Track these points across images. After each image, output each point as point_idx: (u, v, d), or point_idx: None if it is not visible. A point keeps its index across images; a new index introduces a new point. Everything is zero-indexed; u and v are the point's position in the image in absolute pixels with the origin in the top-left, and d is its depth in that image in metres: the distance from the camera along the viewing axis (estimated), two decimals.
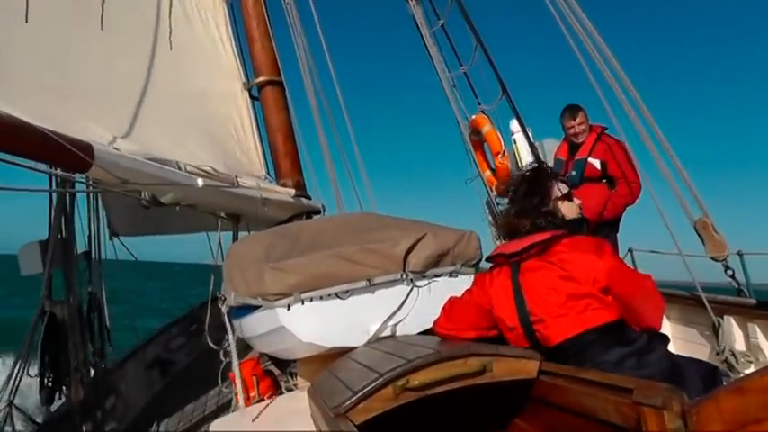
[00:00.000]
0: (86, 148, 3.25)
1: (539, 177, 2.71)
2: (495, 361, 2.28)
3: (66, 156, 3.13)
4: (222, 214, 4.89)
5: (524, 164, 6.32)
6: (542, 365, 2.30)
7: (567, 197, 2.65)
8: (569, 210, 2.63)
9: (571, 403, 2.09)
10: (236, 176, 4.72)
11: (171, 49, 5.19)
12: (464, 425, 2.63)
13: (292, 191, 5.32)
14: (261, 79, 5.78)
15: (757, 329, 3.90)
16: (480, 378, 2.26)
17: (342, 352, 2.95)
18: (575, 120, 5.51)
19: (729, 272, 4.14)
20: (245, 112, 5.79)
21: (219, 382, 3.65)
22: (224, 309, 3.50)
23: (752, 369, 3.87)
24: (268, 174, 5.70)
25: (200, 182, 4.12)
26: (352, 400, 2.11)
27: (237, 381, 3.31)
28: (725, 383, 2.43)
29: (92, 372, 5.81)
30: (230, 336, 3.43)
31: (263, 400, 3.23)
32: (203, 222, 5.74)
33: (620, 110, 4.38)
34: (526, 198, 2.62)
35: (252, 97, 5.89)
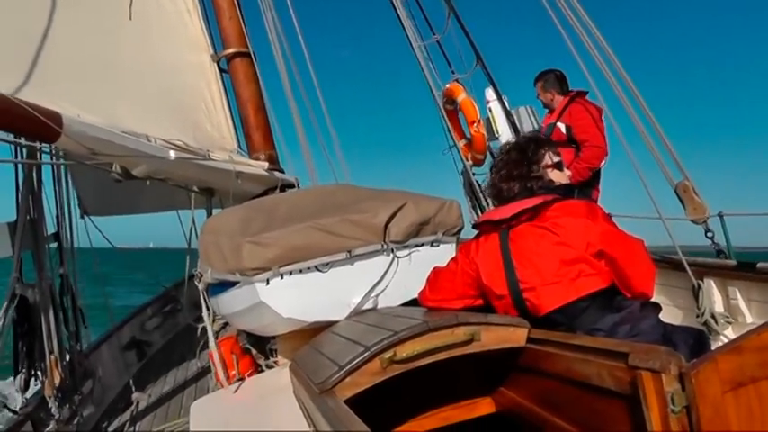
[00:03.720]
0: (55, 117, 3.11)
1: (531, 143, 2.64)
2: (484, 330, 2.22)
3: (34, 124, 2.99)
4: (195, 189, 4.76)
5: (500, 132, 6.27)
6: (531, 333, 2.26)
7: (558, 166, 2.60)
8: (559, 177, 2.58)
9: (562, 370, 2.05)
10: (208, 150, 4.59)
11: (131, 18, 4.97)
12: (452, 395, 2.59)
13: (265, 164, 5.20)
14: (229, 51, 5.59)
15: (737, 291, 3.92)
16: (468, 347, 2.21)
17: (323, 327, 2.88)
18: (534, 86, 5.65)
19: (710, 234, 4.15)
20: (214, 84, 5.61)
21: (197, 361, 3.57)
22: (201, 286, 3.41)
23: (730, 330, 3.91)
24: (240, 148, 5.56)
25: (172, 154, 3.99)
26: (339, 374, 2.05)
27: (216, 359, 3.23)
28: (711, 348, 2.43)
29: (67, 355, 5.68)
30: (205, 313, 3.34)
31: (242, 378, 3.17)
32: (175, 200, 5.59)
33: (598, 74, 4.33)
34: (516, 163, 2.56)
35: (221, 70, 5.71)
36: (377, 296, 2.96)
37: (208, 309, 3.40)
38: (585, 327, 2.21)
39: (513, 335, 2.26)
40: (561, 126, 5.40)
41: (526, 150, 2.59)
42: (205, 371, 3.44)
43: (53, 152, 4.02)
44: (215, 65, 5.68)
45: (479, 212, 6.09)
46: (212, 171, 4.53)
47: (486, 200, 5.88)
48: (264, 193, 5.04)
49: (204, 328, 3.42)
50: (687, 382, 1.55)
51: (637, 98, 4.16)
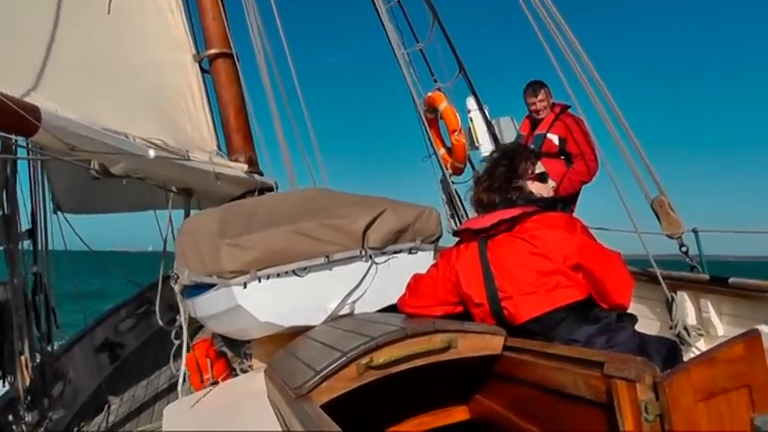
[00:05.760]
0: (33, 110, 3.05)
1: (512, 154, 2.66)
2: (461, 337, 2.23)
3: (11, 117, 2.93)
4: (173, 189, 4.71)
5: (480, 142, 6.31)
6: (508, 341, 2.27)
7: (540, 178, 2.61)
8: (540, 188, 2.60)
9: (538, 378, 2.07)
10: (188, 151, 4.55)
11: (108, 13, 4.91)
12: (428, 401, 2.59)
13: (245, 166, 5.17)
14: (212, 51, 5.54)
15: (709, 304, 3.99)
16: (445, 355, 2.22)
17: (299, 331, 2.87)
18: (536, 96, 5.57)
19: (684, 248, 4.22)
20: (195, 85, 5.56)
21: (171, 364, 3.52)
22: (177, 288, 3.37)
23: (702, 342, 3.98)
24: (220, 149, 5.52)
25: (151, 153, 3.94)
26: (316, 379, 2.04)
27: (190, 363, 3.19)
28: (684, 359, 2.47)
29: (38, 357, 5.57)
30: (182, 316, 3.30)
31: (216, 382, 3.13)
32: (153, 199, 5.52)
33: (580, 89, 4.39)
34: (498, 173, 2.57)
35: (203, 70, 5.67)
36: (354, 302, 2.96)
37: (183, 311, 3.36)
38: (562, 337, 2.23)
39: (490, 343, 2.27)
40: (554, 137, 5.45)
41: (508, 161, 2.60)
42: (179, 374, 3.39)
43: (29, 147, 3.95)
44: (197, 65, 5.63)
45: (458, 221, 6.11)
46: (191, 171, 4.49)
47: (464, 208, 5.89)
48: (243, 196, 5.01)
49: (179, 331, 3.38)
50: (661, 391, 1.57)
51: (616, 114, 4.22)
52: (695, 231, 4.25)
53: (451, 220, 6.32)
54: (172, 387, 4.20)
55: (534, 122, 5.68)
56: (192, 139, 5.17)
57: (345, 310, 2.93)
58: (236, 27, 5.79)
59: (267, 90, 5.68)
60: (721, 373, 1.63)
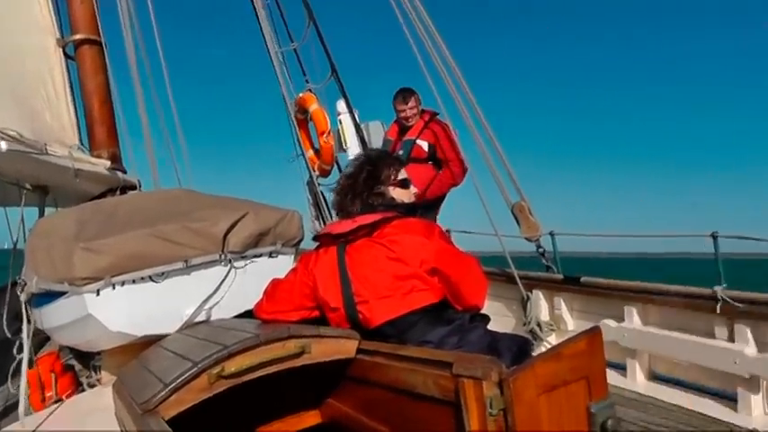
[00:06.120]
0: None
1: (376, 160, 2.69)
2: (315, 342, 2.24)
3: None
4: (27, 185, 4.37)
5: (349, 145, 6.35)
6: (362, 344, 2.30)
7: (402, 184, 2.65)
8: (401, 194, 2.64)
9: (390, 380, 2.11)
10: (45, 144, 4.24)
11: None
12: (281, 407, 2.58)
13: (108, 162, 4.88)
14: (78, 37, 5.17)
15: (562, 302, 4.28)
16: (299, 360, 2.21)
17: (153, 340, 2.75)
18: (406, 104, 5.67)
19: (541, 250, 4.48)
20: (57, 71, 5.15)
21: (9, 381, 3.23)
22: (23, 297, 3.12)
23: (554, 337, 4.26)
24: (81, 143, 5.19)
25: (3, 145, 3.62)
26: (164, 393, 1.95)
27: (31, 380, 2.95)
28: (534, 353, 2.61)
29: None
30: (25, 327, 3.05)
31: (60, 400, 2.92)
32: (4, 195, 5.10)
33: (448, 97, 4.53)
34: (360, 179, 2.59)
35: (67, 56, 5.29)
36: (211, 308, 2.88)
37: (29, 321, 3.10)
38: (415, 339, 2.28)
39: (344, 347, 2.28)
40: (423, 144, 5.57)
41: (371, 167, 2.63)
42: (18, 393, 3.07)
43: None
44: (60, 50, 5.26)
45: (323, 223, 6.13)
46: (49, 167, 4.17)
47: (329, 211, 5.93)
48: (104, 194, 4.75)
49: (21, 345, 3.10)
50: (506, 387, 1.64)
51: (481, 121, 4.42)
52: (552, 234, 4.54)
53: (316, 222, 6.34)
54: (8, 409, 3.82)
55: (403, 128, 5.77)
56: (51, 130, 4.81)
57: (202, 317, 2.85)
58: (106, 12, 5.45)
59: (135, 82, 5.40)
60: (564, 367, 1.71)
